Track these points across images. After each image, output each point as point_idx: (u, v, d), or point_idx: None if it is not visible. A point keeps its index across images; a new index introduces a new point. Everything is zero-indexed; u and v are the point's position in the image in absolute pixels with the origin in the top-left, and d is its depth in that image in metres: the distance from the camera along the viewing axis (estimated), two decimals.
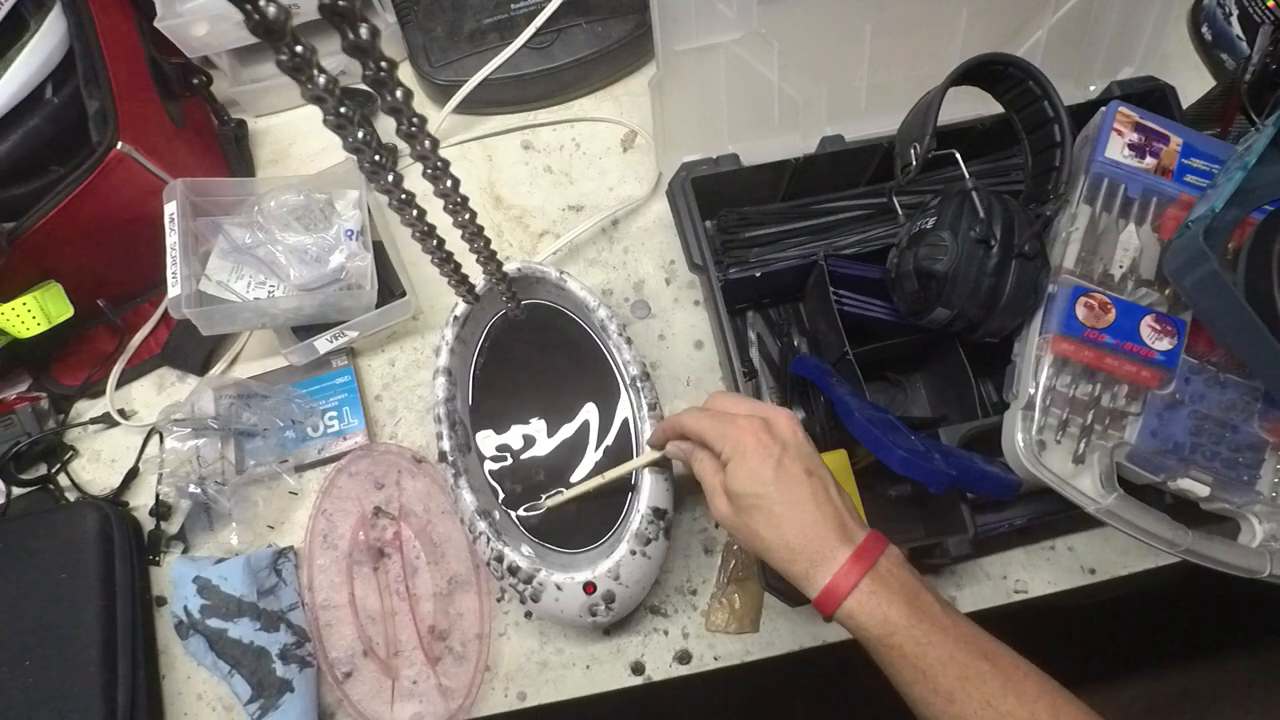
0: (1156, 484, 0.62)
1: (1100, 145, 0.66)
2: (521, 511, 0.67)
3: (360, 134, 0.42)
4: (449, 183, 0.47)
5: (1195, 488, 0.61)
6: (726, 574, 0.72)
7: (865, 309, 0.71)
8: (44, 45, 0.64)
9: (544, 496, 0.66)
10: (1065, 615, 1.13)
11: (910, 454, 0.60)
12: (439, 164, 0.46)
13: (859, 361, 0.68)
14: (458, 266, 0.55)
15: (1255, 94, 0.73)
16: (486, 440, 0.70)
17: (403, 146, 0.44)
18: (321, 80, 0.35)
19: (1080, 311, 0.62)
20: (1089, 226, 0.65)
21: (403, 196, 0.45)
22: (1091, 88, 0.77)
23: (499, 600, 0.72)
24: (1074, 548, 0.73)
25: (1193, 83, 0.84)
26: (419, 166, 0.47)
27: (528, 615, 0.72)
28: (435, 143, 0.44)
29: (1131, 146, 0.66)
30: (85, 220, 0.66)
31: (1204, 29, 0.85)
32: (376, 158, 0.42)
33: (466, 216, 0.51)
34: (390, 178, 0.43)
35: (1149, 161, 0.66)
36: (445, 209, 0.51)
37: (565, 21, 0.78)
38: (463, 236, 0.54)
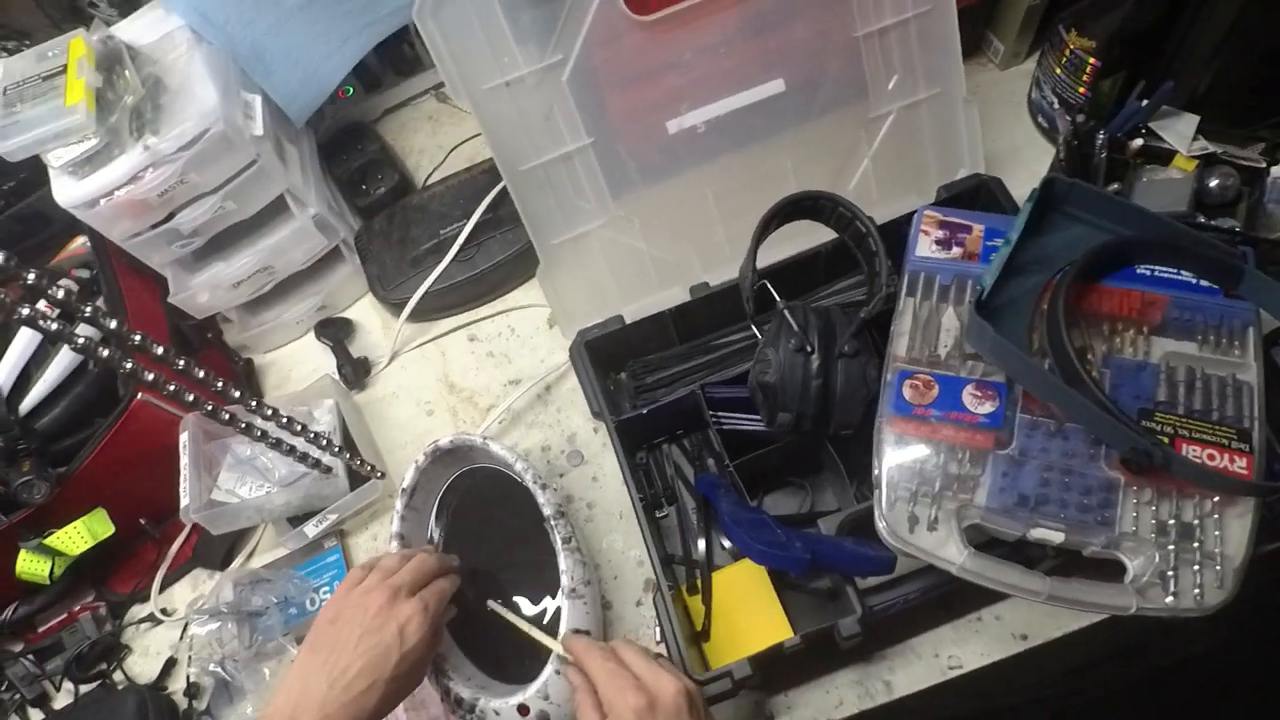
0: (1020, 538, 0.65)
1: (912, 247, 0.75)
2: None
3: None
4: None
5: (1050, 535, 0.64)
6: None
7: (743, 424, 0.79)
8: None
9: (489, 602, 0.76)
10: None
11: (768, 546, 0.67)
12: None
13: (751, 469, 0.77)
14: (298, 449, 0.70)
15: (1076, 173, 0.82)
16: None
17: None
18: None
19: (907, 392, 0.69)
20: (914, 317, 0.73)
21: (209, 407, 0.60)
22: (932, 196, 0.86)
23: None
24: (1001, 616, 0.75)
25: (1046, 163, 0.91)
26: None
27: None
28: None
29: (938, 242, 0.75)
30: (120, 456, 0.84)
31: (1039, 119, 0.94)
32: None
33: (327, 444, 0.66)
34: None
35: (956, 251, 0.74)
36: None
37: (484, 235, 0.96)
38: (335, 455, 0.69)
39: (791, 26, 0.78)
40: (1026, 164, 0.93)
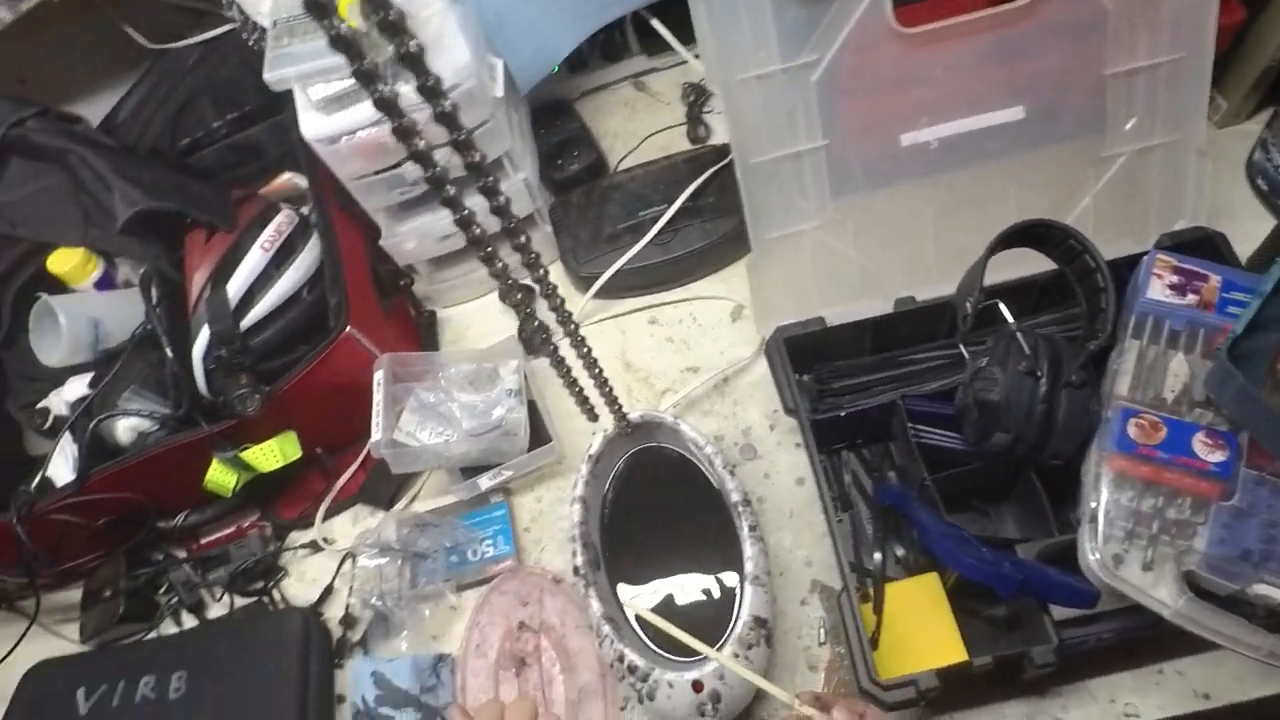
0: (1237, 592, 0.64)
1: (1142, 288, 0.75)
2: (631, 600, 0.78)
3: (519, 298, 0.62)
4: (585, 349, 0.65)
5: (1273, 593, 0.63)
6: (830, 688, 0.78)
7: (941, 440, 0.79)
8: (305, 261, 0.89)
9: (638, 610, 0.76)
10: None
11: (978, 560, 0.67)
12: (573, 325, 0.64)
13: (940, 488, 0.77)
14: (581, 390, 0.72)
15: None
16: (614, 554, 0.81)
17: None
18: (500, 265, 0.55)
19: (1132, 430, 0.68)
20: (1138, 358, 0.73)
21: (544, 337, 0.63)
22: (1149, 242, 0.85)
23: (622, 709, 0.80)
24: (1183, 672, 0.73)
25: (1261, 228, 0.90)
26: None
27: None
28: (568, 312, 0.62)
29: (1172, 287, 0.74)
30: (318, 384, 0.87)
31: (1259, 181, 0.93)
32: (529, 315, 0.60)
33: (597, 371, 0.68)
34: (537, 325, 0.61)
35: (1191, 298, 0.74)
36: (579, 360, 0.69)
37: (682, 222, 0.98)
38: (591, 378, 0.71)
39: (1043, 56, 0.79)
40: (1238, 223, 0.91)
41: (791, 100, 0.79)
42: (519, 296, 0.63)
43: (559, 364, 0.70)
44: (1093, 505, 0.68)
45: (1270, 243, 0.85)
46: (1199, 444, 0.67)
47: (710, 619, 0.76)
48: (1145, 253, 0.79)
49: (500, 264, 0.58)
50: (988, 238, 0.75)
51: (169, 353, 0.86)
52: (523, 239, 0.59)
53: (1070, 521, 0.77)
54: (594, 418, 0.80)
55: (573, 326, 0.67)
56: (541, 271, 0.62)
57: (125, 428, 0.89)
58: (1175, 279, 0.75)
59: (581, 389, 0.74)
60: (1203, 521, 0.66)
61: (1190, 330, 0.73)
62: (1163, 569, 0.65)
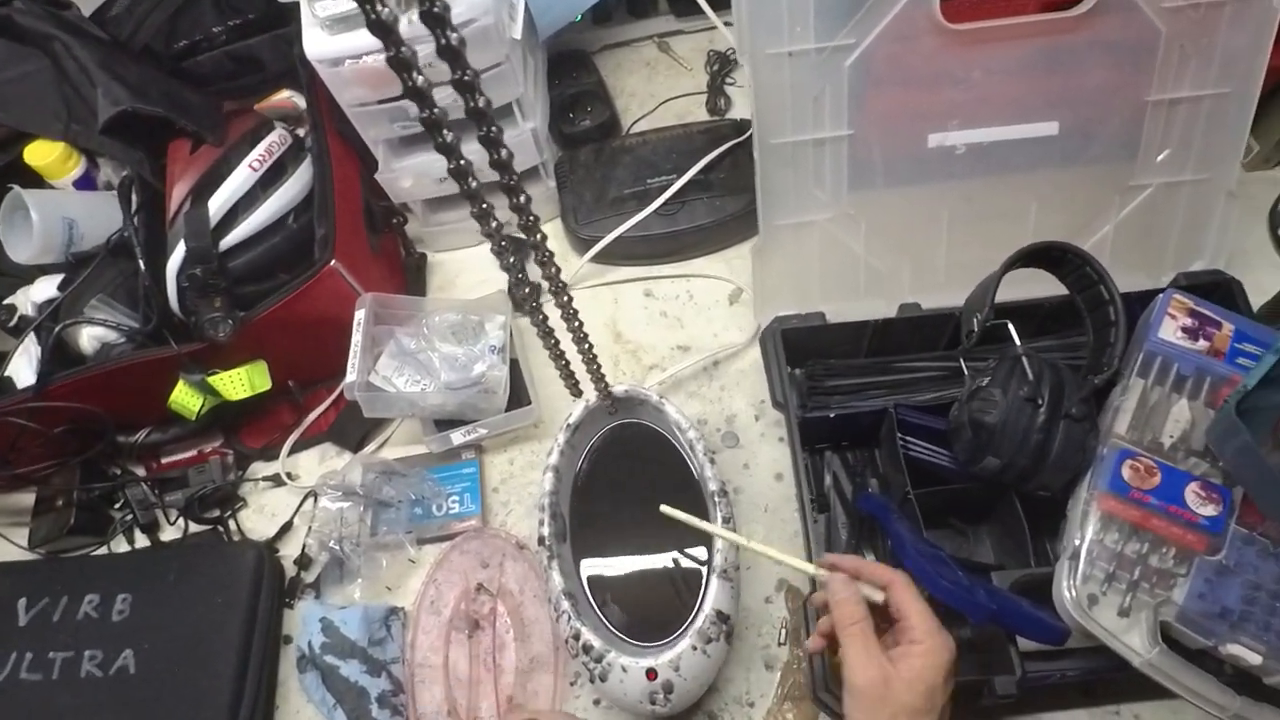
0: (1208, 649, 0.63)
1: (1154, 327, 0.73)
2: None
3: (511, 260, 0.58)
4: (577, 322, 0.62)
5: (1246, 655, 0.62)
6: (784, 690, 0.77)
7: (929, 455, 0.77)
8: (295, 185, 0.85)
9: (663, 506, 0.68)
10: None
11: (954, 585, 0.65)
12: (567, 295, 0.61)
13: (922, 503, 0.75)
14: (568, 363, 0.69)
15: None
16: (582, 529, 0.79)
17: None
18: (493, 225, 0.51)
19: (1126, 472, 0.67)
20: (1141, 398, 0.71)
21: (535, 304, 0.59)
22: (1163, 279, 0.83)
23: (571, 684, 0.79)
24: (1140, 715, 0.73)
25: (1274, 279, 0.88)
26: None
27: (596, 702, 0.78)
28: (563, 282, 0.59)
29: (1185, 330, 0.72)
30: (296, 316, 0.84)
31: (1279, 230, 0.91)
32: (520, 280, 0.56)
33: (587, 347, 0.66)
34: (527, 291, 0.58)
35: (1202, 344, 0.72)
36: (568, 329, 0.66)
37: (690, 195, 0.95)
38: (580, 352, 0.68)
39: (1088, 72, 0.75)
40: (1251, 272, 0.89)
41: (821, 83, 0.75)
42: (510, 259, 0.59)
43: (546, 333, 0.66)
44: (1076, 542, 0.66)
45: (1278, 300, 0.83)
46: (1192, 494, 0.66)
47: (672, 608, 0.75)
48: (1159, 290, 0.77)
49: (495, 222, 0.54)
50: (1001, 252, 0.73)
51: (141, 265, 0.82)
52: (521, 199, 0.55)
53: (1048, 553, 0.76)
54: (577, 393, 0.77)
55: (566, 298, 0.63)
56: (538, 236, 0.58)
57: (90, 336, 0.85)
58: (1189, 321, 0.73)
59: (566, 361, 0.70)
60: (1185, 574, 0.64)
61: (1198, 377, 0.71)
62: (1138, 616, 0.64)
